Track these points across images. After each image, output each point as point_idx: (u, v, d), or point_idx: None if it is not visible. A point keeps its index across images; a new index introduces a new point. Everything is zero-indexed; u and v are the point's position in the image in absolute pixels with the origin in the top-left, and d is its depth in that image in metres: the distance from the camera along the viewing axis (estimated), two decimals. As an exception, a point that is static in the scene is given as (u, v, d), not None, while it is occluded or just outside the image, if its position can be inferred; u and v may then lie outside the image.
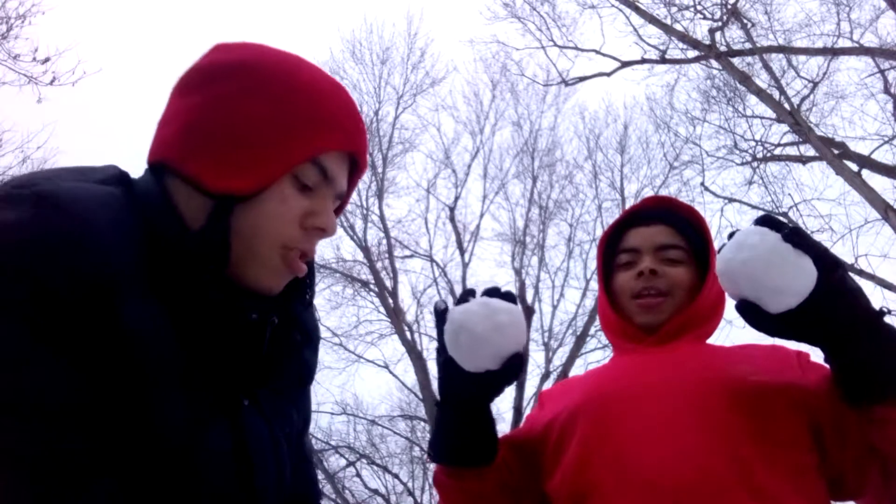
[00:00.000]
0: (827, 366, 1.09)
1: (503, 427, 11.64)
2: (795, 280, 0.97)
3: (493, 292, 1.06)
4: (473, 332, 1.02)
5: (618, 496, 1.06)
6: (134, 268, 0.72)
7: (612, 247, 1.37)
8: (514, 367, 1.04)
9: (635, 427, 1.11)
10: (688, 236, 1.33)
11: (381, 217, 11.81)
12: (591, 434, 1.14)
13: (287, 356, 0.88)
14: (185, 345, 0.75)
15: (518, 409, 10.87)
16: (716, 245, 1.22)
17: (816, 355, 1.20)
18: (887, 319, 1.01)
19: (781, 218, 1.04)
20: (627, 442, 1.10)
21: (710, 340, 1.33)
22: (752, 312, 1.01)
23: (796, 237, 0.97)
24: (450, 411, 1.14)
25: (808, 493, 1.07)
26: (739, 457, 1.05)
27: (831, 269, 0.98)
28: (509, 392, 11.29)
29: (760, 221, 1.02)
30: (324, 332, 11.37)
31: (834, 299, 0.98)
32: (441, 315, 1.07)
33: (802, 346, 1.12)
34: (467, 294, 1.08)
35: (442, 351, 1.08)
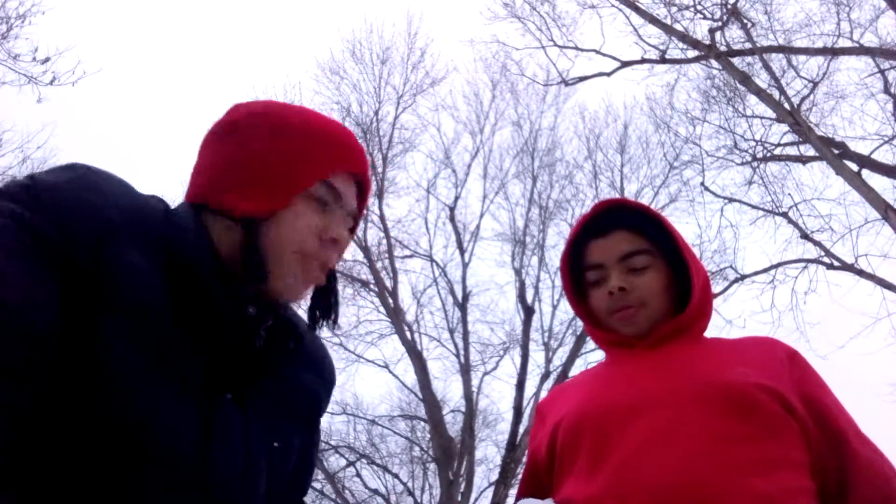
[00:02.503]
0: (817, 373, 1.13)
1: (503, 427, 11.66)
2: None
3: None
4: None
5: None
6: (140, 238, 0.83)
7: (578, 260, 1.34)
8: None
9: (637, 436, 1.11)
10: (648, 235, 1.30)
11: (381, 217, 11.81)
12: (594, 446, 1.14)
13: (279, 362, 0.94)
14: (180, 314, 0.83)
15: (518, 409, 10.88)
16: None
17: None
18: None
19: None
20: (630, 452, 1.10)
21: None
22: None
23: None
24: None
25: (803, 495, 1.08)
26: (739, 463, 1.06)
27: None
28: (509, 392, 11.31)
29: None
30: (324, 332, 11.34)
31: None
32: None
33: (797, 344, 1.13)
34: None
35: None
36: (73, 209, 0.79)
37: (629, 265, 1.27)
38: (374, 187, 11.89)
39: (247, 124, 0.96)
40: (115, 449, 0.76)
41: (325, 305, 1.01)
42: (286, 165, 0.93)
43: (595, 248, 1.31)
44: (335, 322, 1.01)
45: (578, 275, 1.35)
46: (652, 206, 1.40)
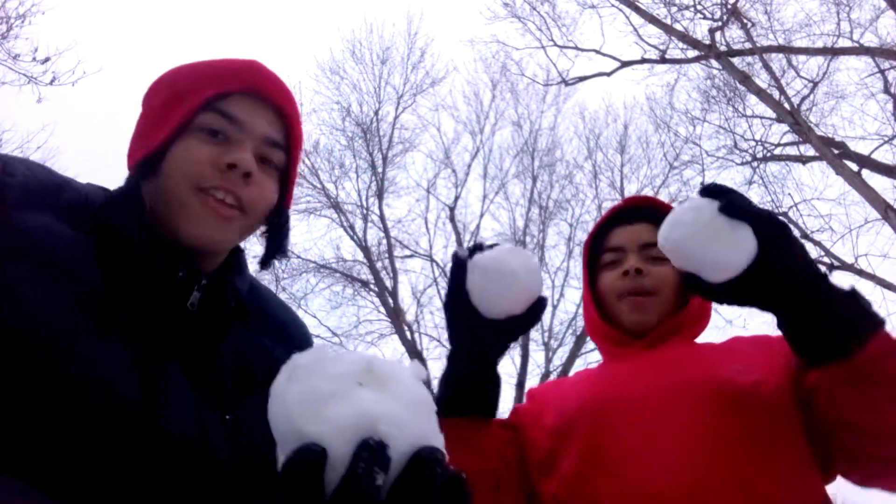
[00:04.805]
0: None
1: (503, 427, 11.65)
2: (731, 253, 0.97)
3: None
4: (508, 273, 1.03)
5: None
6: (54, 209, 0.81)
7: (597, 247, 1.36)
8: (538, 310, 1.08)
9: (634, 436, 1.10)
10: None
11: (381, 217, 11.81)
12: (589, 444, 1.13)
13: (221, 324, 0.89)
14: (113, 283, 0.80)
15: (518, 409, 10.88)
16: None
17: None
18: (834, 280, 1.01)
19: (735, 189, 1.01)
20: (627, 451, 1.09)
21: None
22: (695, 283, 1.03)
23: (733, 208, 0.97)
24: (464, 361, 1.13)
25: (807, 491, 1.07)
26: (738, 462, 1.05)
27: (773, 236, 0.97)
28: (509, 392, 11.31)
29: (704, 192, 1.02)
30: (324, 332, 11.37)
31: (774, 267, 0.97)
32: (462, 262, 1.06)
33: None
34: (477, 248, 1.07)
35: (457, 301, 1.06)
36: None
37: (649, 254, 1.29)
38: (374, 187, 11.90)
39: (149, 90, 0.96)
40: (49, 400, 0.70)
41: (272, 244, 0.98)
42: (167, 102, 0.91)
43: (619, 232, 1.34)
44: (283, 254, 0.99)
45: (593, 262, 1.37)
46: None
